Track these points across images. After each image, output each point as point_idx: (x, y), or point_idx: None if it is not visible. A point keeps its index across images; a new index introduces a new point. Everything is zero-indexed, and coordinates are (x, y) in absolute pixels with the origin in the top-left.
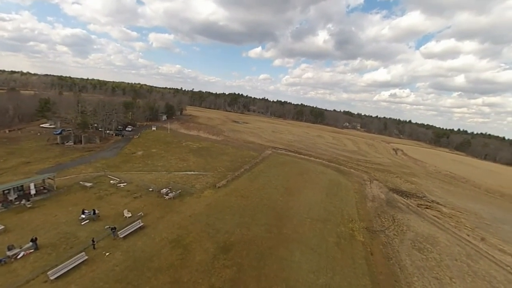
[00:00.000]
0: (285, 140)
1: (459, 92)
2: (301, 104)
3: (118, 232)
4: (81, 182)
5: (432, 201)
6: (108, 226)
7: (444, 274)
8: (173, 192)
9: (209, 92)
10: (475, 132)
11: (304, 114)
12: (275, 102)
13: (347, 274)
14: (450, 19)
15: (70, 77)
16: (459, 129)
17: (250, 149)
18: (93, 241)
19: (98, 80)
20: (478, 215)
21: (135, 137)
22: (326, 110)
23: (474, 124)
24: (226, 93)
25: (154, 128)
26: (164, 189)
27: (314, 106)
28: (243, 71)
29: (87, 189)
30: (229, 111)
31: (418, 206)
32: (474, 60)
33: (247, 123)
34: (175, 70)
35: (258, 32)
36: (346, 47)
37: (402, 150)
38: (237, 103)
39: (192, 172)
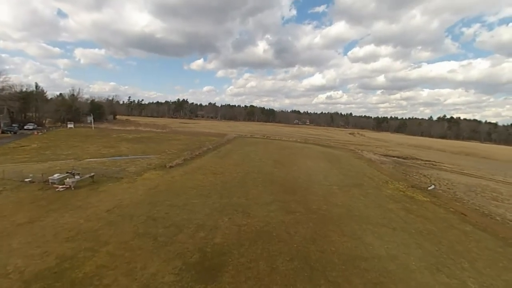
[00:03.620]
0: (245, 131)
1: (382, 90)
2: (251, 105)
3: None
4: None
5: (428, 160)
6: None
7: None
8: (76, 177)
9: (151, 102)
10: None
11: (256, 114)
12: (224, 105)
13: (481, 256)
14: (369, 27)
15: None
16: (391, 117)
17: (208, 135)
18: None
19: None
20: (475, 167)
21: (36, 133)
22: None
23: (396, 116)
24: (170, 102)
25: (71, 126)
26: (56, 175)
27: (264, 107)
28: (186, 84)
29: None
30: (175, 118)
31: (426, 164)
32: (391, 62)
33: (197, 123)
34: (109, 88)
35: (199, 44)
36: (284, 55)
37: (358, 133)
38: (183, 109)
39: (124, 157)
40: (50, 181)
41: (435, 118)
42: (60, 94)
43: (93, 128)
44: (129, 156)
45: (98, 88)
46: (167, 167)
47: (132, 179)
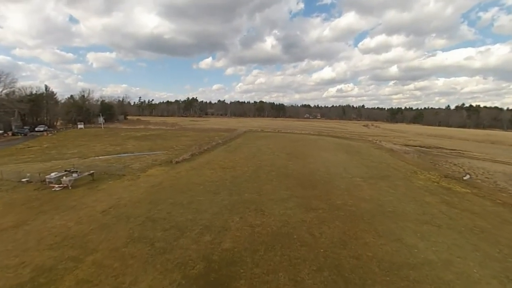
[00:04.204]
0: (255, 126)
1: (394, 81)
2: (261, 101)
3: None
4: None
5: (454, 149)
6: None
7: None
8: (73, 175)
9: (161, 102)
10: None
11: (265, 110)
12: (233, 102)
13: None
14: (380, 17)
15: None
16: (405, 107)
17: (217, 131)
18: None
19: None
20: (507, 155)
21: (46, 134)
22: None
23: (411, 107)
24: (180, 101)
25: (81, 127)
26: (53, 174)
27: (273, 103)
28: (195, 84)
29: None
30: (185, 116)
31: (452, 153)
32: (403, 52)
33: (207, 120)
34: (121, 90)
35: (207, 43)
36: (293, 50)
37: (372, 125)
38: (192, 107)
39: (130, 154)
40: (47, 180)
41: (452, 107)
42: (71, 96)
43: (102, 128)
44: (135, 153)
45: (110, 91)
46: (173, 162)
47: (135, 176)
